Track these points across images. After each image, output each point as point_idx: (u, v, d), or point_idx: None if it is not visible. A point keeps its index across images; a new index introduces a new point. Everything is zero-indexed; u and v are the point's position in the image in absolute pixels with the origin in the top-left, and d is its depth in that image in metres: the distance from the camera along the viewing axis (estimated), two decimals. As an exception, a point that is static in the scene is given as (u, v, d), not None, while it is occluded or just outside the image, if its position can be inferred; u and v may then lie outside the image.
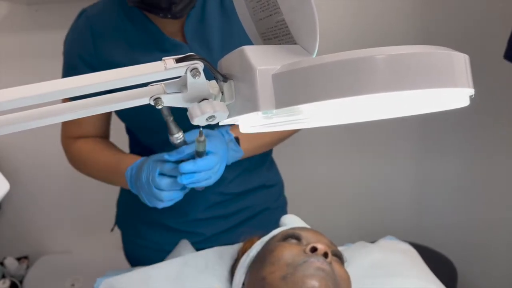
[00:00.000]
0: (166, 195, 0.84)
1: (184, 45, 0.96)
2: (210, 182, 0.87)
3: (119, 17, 0.97)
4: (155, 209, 1.09)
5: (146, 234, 1.12)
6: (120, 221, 1.20)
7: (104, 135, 1.09)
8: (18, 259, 1.94)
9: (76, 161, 1.06)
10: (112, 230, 1.21)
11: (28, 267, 1.94)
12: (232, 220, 1.10)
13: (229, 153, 0.93)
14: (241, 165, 1.04)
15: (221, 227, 1.09)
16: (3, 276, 1.85)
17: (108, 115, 1.08)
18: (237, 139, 0.96)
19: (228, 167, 0.95)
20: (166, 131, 0.99)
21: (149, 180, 0.84)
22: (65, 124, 1.07)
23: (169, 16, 0.89)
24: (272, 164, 1.20)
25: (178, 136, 0.81)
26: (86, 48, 0.96)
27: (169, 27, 0.96)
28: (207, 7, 0.97)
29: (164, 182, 0.84)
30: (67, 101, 0.45)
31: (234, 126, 0.97)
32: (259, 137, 1.04)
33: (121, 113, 1.04)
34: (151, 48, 0.96)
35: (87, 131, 1.05)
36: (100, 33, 0.96)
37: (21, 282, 1.86)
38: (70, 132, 1.06)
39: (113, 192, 1.18)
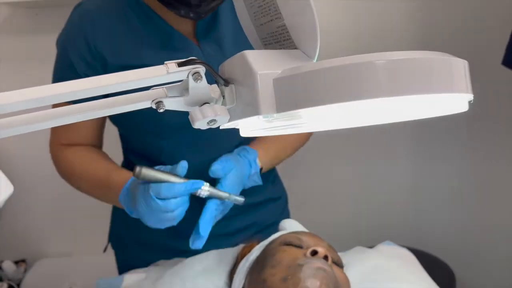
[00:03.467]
0: (177, 213, 0.77)
1: (195, 46, 0.91)
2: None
3: (123, 12, 0.89)
4: (156, 229, 1.04)
5: (144, 256, 1.03)
6: (114, 240, 1.13)
7: (97, 142, 1.02)
8: (16, 262, 1.93)
9: (65, 171, 0.98)
10: (104, 250, 1.14)
11: (25, 271, 1.93)
12: (237, 238, 1.04)
13: (248, 183, 0.92)
14: None
15: (225, 245, 1.02)
16: (1, 280, 1.84)
17: (102, 121, 1.00)
18: (260, 170, 0.94)
19: None
20: (162, 135, 0.94)
21: (149, 204, 0.76)
22: (55, 130, 0.98)
23: (191, 15, 0.83)
24: (276, 177, 1.16)
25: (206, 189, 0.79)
26: (83, 48, 0.88)
27: (181, 26, 0.90)
28: (220, 9, 0.93)
29: (167, 203, 0.75)
30: (63, 105, 0.44)
31: (260, 154, 0.95)
32: (278, 157, 1.02)
33: (115, 117, 0.98)
34: (160, 46, 0.89)
35: (79, 137, 0.98)
36: (100, 30, 0.88)
37: (18, 285, 1.85)
38: (61, 138, 0.98)
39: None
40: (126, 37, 0.89)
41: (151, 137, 0.98)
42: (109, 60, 0.89)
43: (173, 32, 0.90)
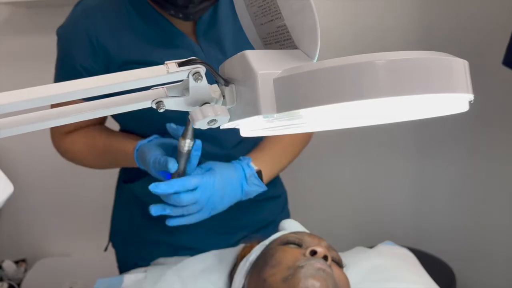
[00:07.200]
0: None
1: (194, 44, 0.93)
2: (195, 218, 0.86)
3: (125, 9, 0.92)
4: (157, 226, 1.00)
5: (145, 255, 1.03)
6: (115, 239, 1.13)
7: (97, 122, 1.05)
8: (16, 262, 1.93)
9: (72, 153, 1.03)
10: (105, 249, 1.14)
11: (26, 270, 1.94)
12: (236, 236, 1.04)
13: (249, 188, 0.92)
14: None
15: (225, 243, 1.02)
16: (1, 279, 1.84)
17: None
18: (259, 173, 0.93)
19: None
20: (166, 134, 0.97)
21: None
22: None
23: (181, 16, 0.86)
24: (277, 176, 1.14)
25: (188, 143, 0.79)
26: (85, 41, 0.91)
27: (181, 25, 0.92)
28: (219, 9, 0.94)
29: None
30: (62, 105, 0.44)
31: (256, 158, 0.96)
32: (279, 162, 1.02)
33: (118, 116, 1.00)
34: (161, 43, 0.91)
35: (78, 123, 0.99)
36: (102, 25, 0.91)
37: (19, 285, 1.86)
38: (60, 128, 1.00)
39: (112, 195, 1.17)
40: (127, 33, 0.92)
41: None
42: (112, 53, 0.91)
43: (173, 30, 0.92)
